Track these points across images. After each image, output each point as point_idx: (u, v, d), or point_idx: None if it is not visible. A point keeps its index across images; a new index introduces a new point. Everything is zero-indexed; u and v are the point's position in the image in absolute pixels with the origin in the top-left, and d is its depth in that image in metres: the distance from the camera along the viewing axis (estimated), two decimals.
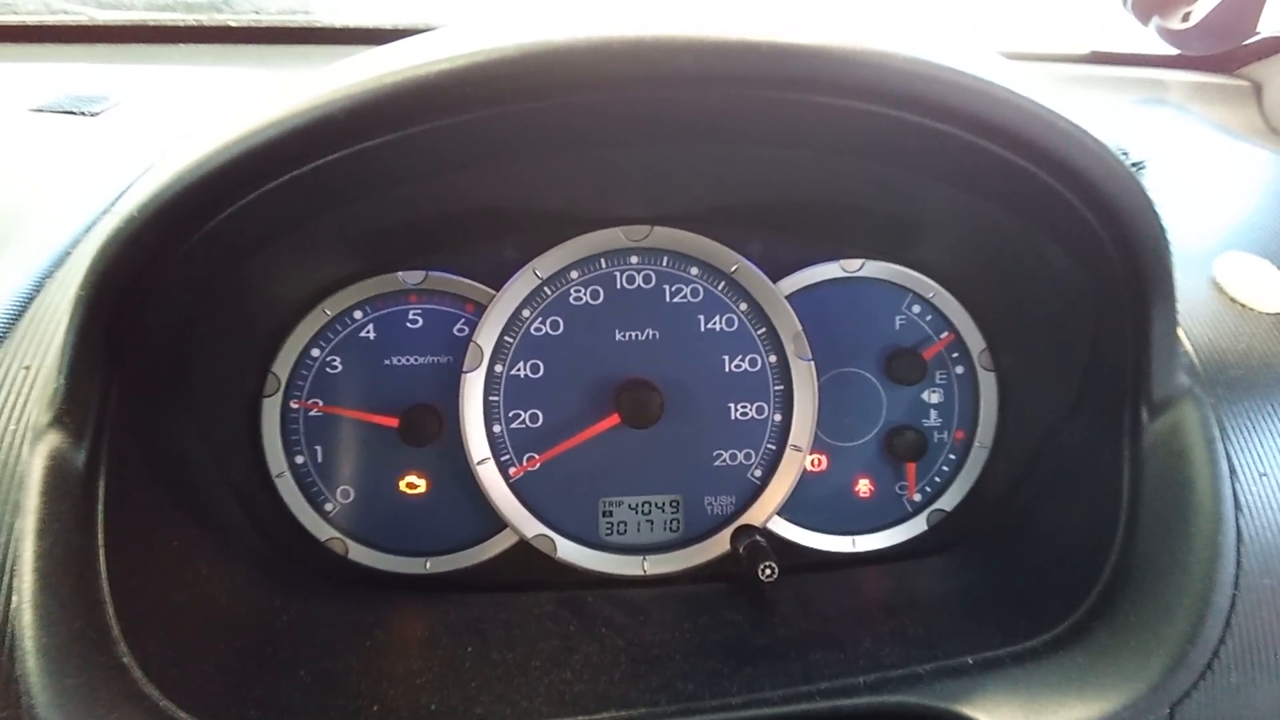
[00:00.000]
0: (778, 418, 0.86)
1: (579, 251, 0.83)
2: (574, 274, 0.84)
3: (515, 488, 0.84)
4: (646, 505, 0.86)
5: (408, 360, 0.84)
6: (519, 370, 0.84)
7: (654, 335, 0.85)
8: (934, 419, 0.88)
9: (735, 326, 0.86)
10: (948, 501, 0.87)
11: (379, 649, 0.69)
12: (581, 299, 0.85)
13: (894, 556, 0.86)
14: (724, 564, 0.84)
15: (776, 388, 0.86)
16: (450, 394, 0.83)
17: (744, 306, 0.86)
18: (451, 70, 0.51)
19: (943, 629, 0.70)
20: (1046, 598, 0.68)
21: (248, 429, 0.81)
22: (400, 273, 0.83)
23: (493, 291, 0.83)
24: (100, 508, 0.56)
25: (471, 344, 0.83)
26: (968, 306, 0.87)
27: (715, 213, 0.83)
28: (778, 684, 0.62)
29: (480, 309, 0.83)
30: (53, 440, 0.55)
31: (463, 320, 0.84)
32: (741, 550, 0.80)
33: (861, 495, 0.88)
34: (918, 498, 0.88)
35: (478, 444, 0.83)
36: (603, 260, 0.85)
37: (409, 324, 0.84)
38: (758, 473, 0.86)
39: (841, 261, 0.86)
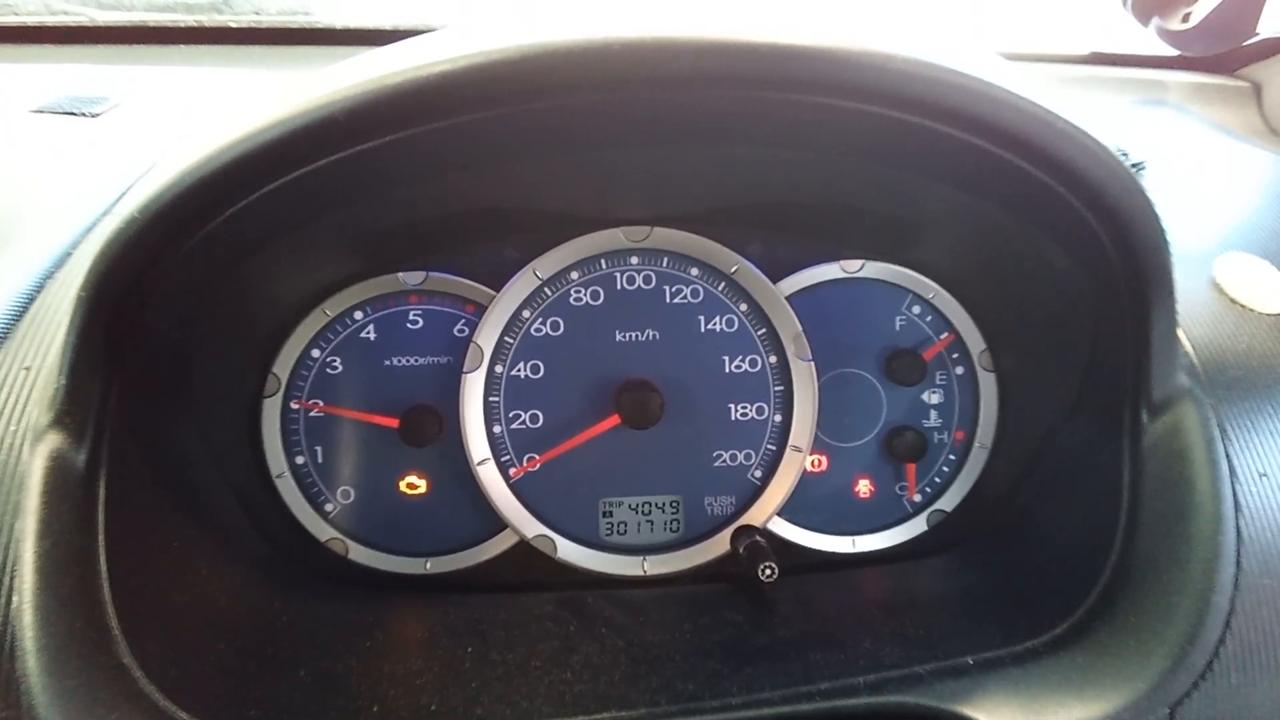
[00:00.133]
0: (778, 418, 0.86)
1: (579, 252, 0.84)
2: (574, 275, 0.84)
3: (515, 488, 0.84)
4: (647, 506, 0.86)
5: (408, 361, 0.84)
6: (519, 371, 0.84)
7: (654, 336, 0.85)
8: (934, 419, 0.88)
9: (735, 327, 0.86)
10: (948, 502, 0.87)
11: (379, 649, 0.69)
12: (582, 300, 0.85)
13: (894, 557, 0.86)
14: (724, 564, 0.84)
15: (776, 388, 0.86)
16: (450, 394, 0.83)
17: (744, 307, 0.86)
18: (452, 71, 0.51)
19: (943, 629, 0.69)
20: (1046, 598, 0.68)
21: (248, 429, 0.81)
22: (400, 273, 0.83)
23: (493, 292, 0.83)
24: (100, 508, 0.56)
25: (472, 344, 0.83)
26: (968, 307, 0.87)
27: (715, 213, 0.83)
28: (778, 684, 0.62)
29: (480, 309, 0.83)
30: (53, 441, 0.55)
31: (463, 321, 0.84)
32: (741, 550, 0.80)
33: (861, 496, 0.88)
34: (918, 498, 0.88)
35: (478, 444, 0.83)
36: (603, 261, 0.85)
37: (409, 324, 0.84)
38: (758, 473, 0.86)
39: (841, 262, 0.86)
